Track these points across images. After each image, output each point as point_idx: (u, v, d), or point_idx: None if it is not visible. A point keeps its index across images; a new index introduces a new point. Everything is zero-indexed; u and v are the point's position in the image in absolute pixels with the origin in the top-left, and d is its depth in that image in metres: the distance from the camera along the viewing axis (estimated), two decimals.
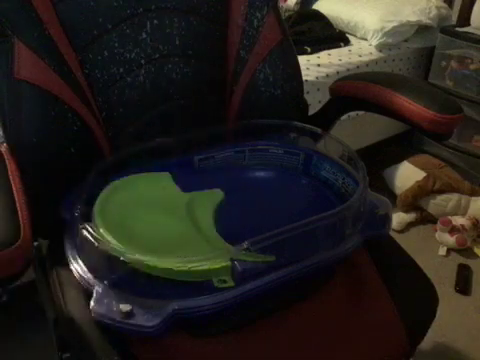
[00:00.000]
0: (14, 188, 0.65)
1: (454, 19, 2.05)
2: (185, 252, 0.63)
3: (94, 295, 0.57)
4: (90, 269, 0.61)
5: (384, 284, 0.72)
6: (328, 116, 1.00)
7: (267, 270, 0.61)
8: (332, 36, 1.84)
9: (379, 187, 1.67)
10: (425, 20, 1.90)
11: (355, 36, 1.90)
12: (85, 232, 0.60)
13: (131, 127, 0.83)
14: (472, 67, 1.86)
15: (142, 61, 0.81)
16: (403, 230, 1.73)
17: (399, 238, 0.81)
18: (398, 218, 1.73)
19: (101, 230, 0.62)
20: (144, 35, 0.80)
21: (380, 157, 1.91)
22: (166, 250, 0.63)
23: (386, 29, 1.79)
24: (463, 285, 1.49)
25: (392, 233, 0.81)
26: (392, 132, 2.05)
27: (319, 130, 0.85)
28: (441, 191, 1.70)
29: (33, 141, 0.72)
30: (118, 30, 0.78)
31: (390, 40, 1.81)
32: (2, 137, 0.77)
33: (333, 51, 1.76)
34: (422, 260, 0.79)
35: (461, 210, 1.70)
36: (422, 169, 1.76)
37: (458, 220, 1.66)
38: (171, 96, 0.85)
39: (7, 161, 0.71)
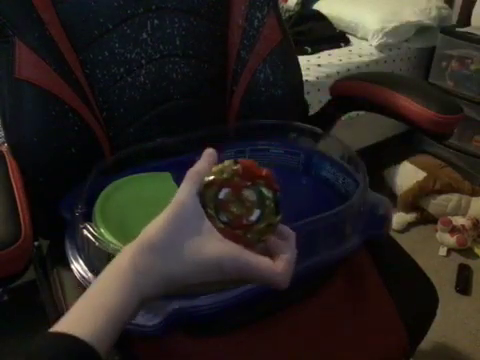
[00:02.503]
0: (15, 188, 0.65)
1: (454, 19, 2.05)
2: None
3: None
4: (91, 269, 0.61)
5: (384, 284, 0.72)
6: (328, 116, 1.00)
7: None
8: (332, 36, 1.84)
9: (379, 187, 1.67)
10: (425, 20, 1.90)
11: (355, 36, 1.90)
12: (86, 232, 0.60)
13: (131, 127, 0.83)
14: (472, 67, 1.86)
15: (143, 61, 0.81)
16: (403, 230, 1.73)
17: (399, 238, 0.81)
18: (398, 218, 1.73)
19: (101, 230, 0.63)
20: (145, 35, 0.80)
21: (380, 157, 1.91)
22: None
23: (386, 29, 1.79)
24: (463, 285, 1.49)
25: (392, 233, 0.81)
26: (392, 132, 2.05)
27: (319, 130, 0.85)
28: (441, 191, 1.70)
29: (34, 141, 0.72)
30: (119, 30, 0.78)
31: (390, 40, 1.81)
32: (3, 137, 0.77)
33: (333, 51, 1.76)
34: (422, 260, 0.80)
35: (461, 210, 1.70)
36: (422, 169, 1.76)
37: (458, 220, 1.66)
38: (171, 96, 0.85)
39: (8, 161, 0.71)
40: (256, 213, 0.40)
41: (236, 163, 0.40)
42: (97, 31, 0.77)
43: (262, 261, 0.39)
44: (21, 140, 0.72)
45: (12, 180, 0.67)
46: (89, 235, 0.60)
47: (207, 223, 0.39)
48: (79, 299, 0.38)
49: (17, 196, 0.63)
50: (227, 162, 0.41)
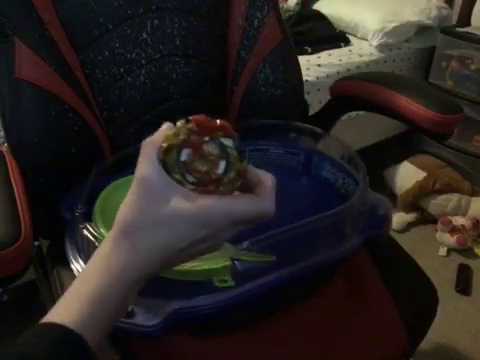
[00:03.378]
0: (15, 188, 0.65)
1: (454, 19, 2.05)
2: None
3: None
4: None
5: (384, 284, 0.72)
6: (328, 116, 1.00)
7: (267, 270, 0.61)
8: (332, 36, 1.84)
9: (379, 187, 1.66)
10: (425, 20, 1.90)
11: (355, 36, 1.90)
12: (85, 232, 0.60)
13: (132, 127, 0.83)
14: (472, 67, 1.86)
15: (143, 61, 0.81)
16: (403, 230, 1.73)
17: (399, 238, 0.81)
18: (398, 218, 1.73)
19: (101, 230, 0.63)
20: (145, 35, 0.80)
21: (380, 157, 1.91)
22: None
23: (387, 29, 1.79)
24: (463, 285, 1.49)
25: (392, 233, 0.81)
26: (392, 132, 2.05)
27: (319, 130, 0.85)
28: (441, 191, 1.70)
29: (34, 141, 0.72)
30: (119, 30, 0.78)
31: (390, 40, 1.81)
32: (3, 137, 0.77)
33: (333, 51, 1.76)
34: (422, 260, 0.80)
35: (461, 210, 1.70)
36: (422, 169, 1.76)
37: (458, 220, 1.66)
38: (171, 96, 0.86)
39: (8, 161, 0.71)
40: (222, 165, 0.39)
41: (188, 122, 0.39)
42: (97, 31, 0.77)
43: (243, 197, 0.40)
44: (21, 140, 0.72)
45: (12, 180, 0.67)
46: (89, 235, 0.60)
47: (177, 187, 0.39)
48: (66, 290, 0.38)
49: (17, 196, 0.63)
50: (179, 123, 0.40)
